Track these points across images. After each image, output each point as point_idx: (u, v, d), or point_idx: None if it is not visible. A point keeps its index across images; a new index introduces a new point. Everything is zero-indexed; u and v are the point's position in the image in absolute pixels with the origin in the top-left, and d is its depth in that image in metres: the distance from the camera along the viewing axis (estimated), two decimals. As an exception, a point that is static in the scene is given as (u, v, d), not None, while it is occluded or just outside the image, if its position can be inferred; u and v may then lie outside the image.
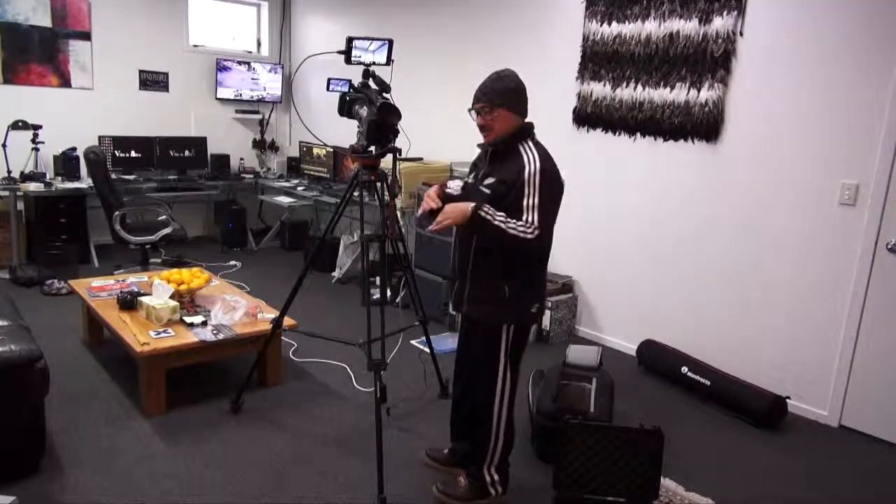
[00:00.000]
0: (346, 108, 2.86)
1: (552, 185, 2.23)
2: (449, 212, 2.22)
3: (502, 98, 2.28)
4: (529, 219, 2.16)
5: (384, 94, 2.77)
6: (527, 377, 3.31)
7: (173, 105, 6.40)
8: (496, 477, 2.51)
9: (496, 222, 2.16)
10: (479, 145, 2.44)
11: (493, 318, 2.34)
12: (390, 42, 2.94)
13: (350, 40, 2.86)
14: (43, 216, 5.33)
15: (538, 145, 2.29)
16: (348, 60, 2.88)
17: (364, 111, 2.75)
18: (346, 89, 2.90)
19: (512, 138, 2.29)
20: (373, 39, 2.90)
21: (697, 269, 3.89)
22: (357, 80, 2.91)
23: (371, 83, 2.83)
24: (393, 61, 2.97)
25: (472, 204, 2.18)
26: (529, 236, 2.15)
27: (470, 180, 2.42)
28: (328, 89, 2.97)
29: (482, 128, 2.33)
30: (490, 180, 2.29)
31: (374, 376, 2.62)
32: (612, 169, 4.23)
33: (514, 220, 2.16)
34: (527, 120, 2.35)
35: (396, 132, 2.77)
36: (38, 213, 5.32)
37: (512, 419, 2.48)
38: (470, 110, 2.36)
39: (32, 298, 4.63)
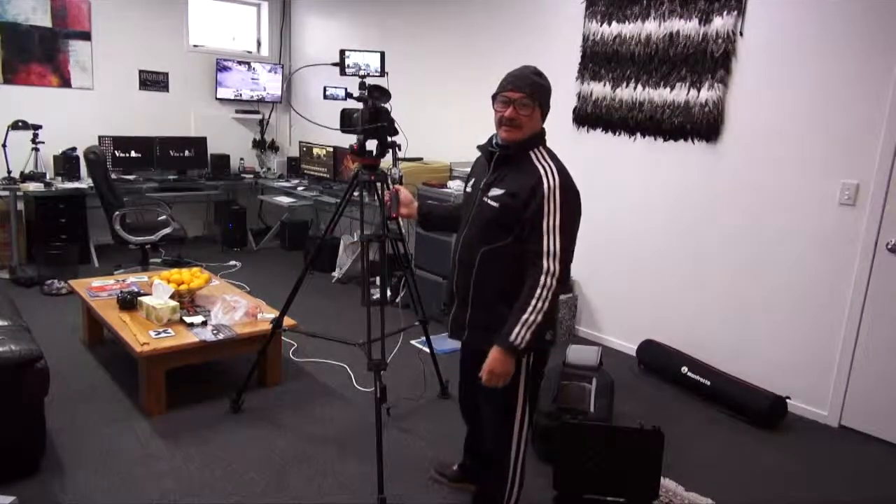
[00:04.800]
0: (346, 120, 2.89)
1: (575, 203, 1.97)
2: (491, 368, 1.95)
3: (544, 97, 2.01)
4: (548, 265, 1.90)
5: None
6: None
7: (173, 105, 6.40)
8: None
9: (528, 320, 1.90)
10: (479, 147, 2.16)
11: None
12: (382, 54, 3.01)
13: (343, 52, 2.92)
14: (43, 216, 5.33)
15: (552, 154, 2.03)
16: (343, 72, 2.93)
17: (359, 112, 2.81)
18: (342, 95, 2.95)
19: (526, 143, 2.02)
20: (365, 52, 2.98)
21: (697, 268, 3.89)
22: (352, 87, 2.94)
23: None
24: (387, 73, 3.03)
25: (497, 348, 1.93)
26: (554, 284, 1.90)
27: (468, 189, 2.19)
28: (325, 97, 3.01)
29: (510, 122, 1.98)
30: (497, 191, 2.01)
31: (374, 376, 2.62)
32: (612, 169, 4.22)
33: (530, 294, 1.90)
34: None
35: (392, 119, 2.78)
36: (38, 213, 5.32)
37: (526, 457, 2.19)
38: (498, 97, 2.02)
39: (32, 298, 4.63)
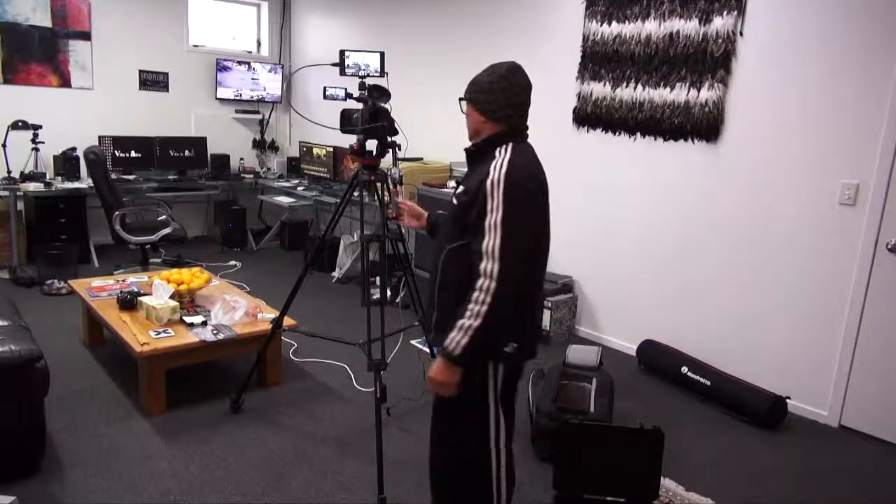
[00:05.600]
0: (346, 120, 2.89)
1: (520, 193, 1.79)
2: (430, 375, 1.86)
3: (473, 93, 1.95)
4: (485, 265, 1.75)
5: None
6: (527, 377, 3.31)
7: (173, 105, 6.40)
8: None
9: (464, 325, 1.76)
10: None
11: None
12: (381, 54, 3.01)
13: (342, 53, 2.92)
14: (43, 216, 5.33)
15: (518, 148, 1.87)
16: (343, 72, 2.93)
17: (359, 112, 2.81)
18: (342, 95, 2.95)
19: (490, 140, 1.91)
20: (365, 52, 2.99)
21: (697, 268, 3.89)
22: (352, 87, 2.95)
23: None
24: (387, 73, 3.03)
25: (438, 355, 1.84)
26: (493, 286, 1.73)
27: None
28: (325, 97, 3.02)
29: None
30: (459, 189, 1.94)
31: (374, 376, 2.62)
32: (612, 169, 4.22)
33: (468, 297, 1.77)
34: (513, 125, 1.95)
35: (392, 119, 2.78)
36: (38, 213, 5.33)
37: (512, 470, 2.07)
38: None
39: (32, 298, 4.63)
